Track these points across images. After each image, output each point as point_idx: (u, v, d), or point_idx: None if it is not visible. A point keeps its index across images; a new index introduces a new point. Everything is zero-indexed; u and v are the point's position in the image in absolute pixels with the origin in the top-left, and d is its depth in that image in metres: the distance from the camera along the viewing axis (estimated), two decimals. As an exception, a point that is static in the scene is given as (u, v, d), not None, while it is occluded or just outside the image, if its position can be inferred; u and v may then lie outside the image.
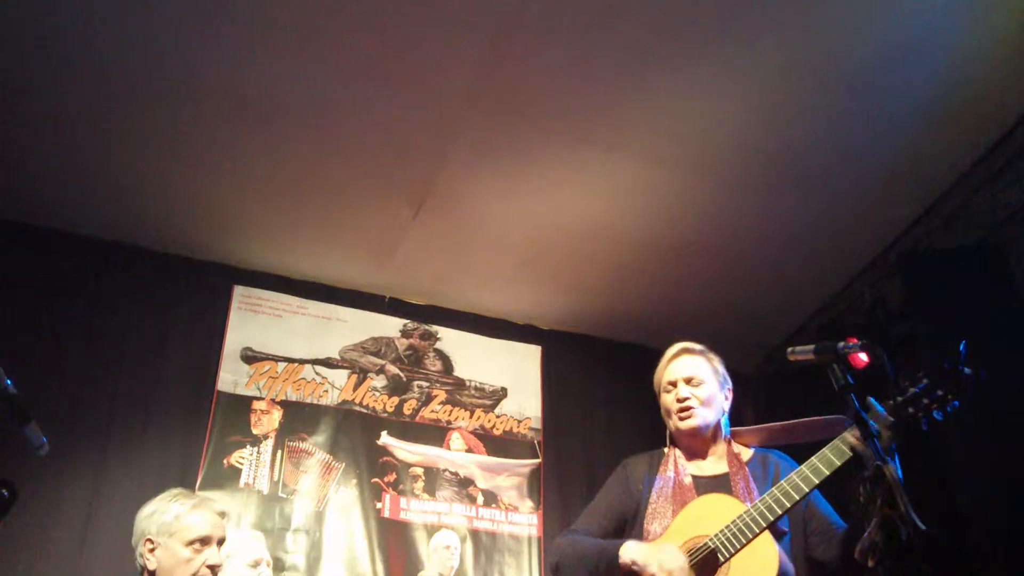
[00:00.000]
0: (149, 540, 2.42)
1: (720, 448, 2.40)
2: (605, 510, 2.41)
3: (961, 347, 1.94)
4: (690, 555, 2.11)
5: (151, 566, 2.40)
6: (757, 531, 2.06)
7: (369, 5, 2.90)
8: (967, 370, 1.90)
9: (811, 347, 1.98)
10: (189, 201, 3.83)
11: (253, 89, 3.24)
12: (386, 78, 3.21)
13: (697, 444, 2.39)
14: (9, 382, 1.62)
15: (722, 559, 2.07)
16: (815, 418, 2.29)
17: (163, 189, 3.74)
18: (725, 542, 2.08)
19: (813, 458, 2.08)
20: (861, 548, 1.71)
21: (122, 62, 3.10)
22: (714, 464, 2.37)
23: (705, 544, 2.10)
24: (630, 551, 2.12)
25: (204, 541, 2.42)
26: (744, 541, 2.06)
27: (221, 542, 2.49)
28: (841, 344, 1.93)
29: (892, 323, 3.89)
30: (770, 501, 2.09)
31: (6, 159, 3.53)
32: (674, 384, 2.41)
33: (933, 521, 1.67)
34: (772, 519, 2.06)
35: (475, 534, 4.08)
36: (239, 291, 4.22)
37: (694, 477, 2.32)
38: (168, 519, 2.43)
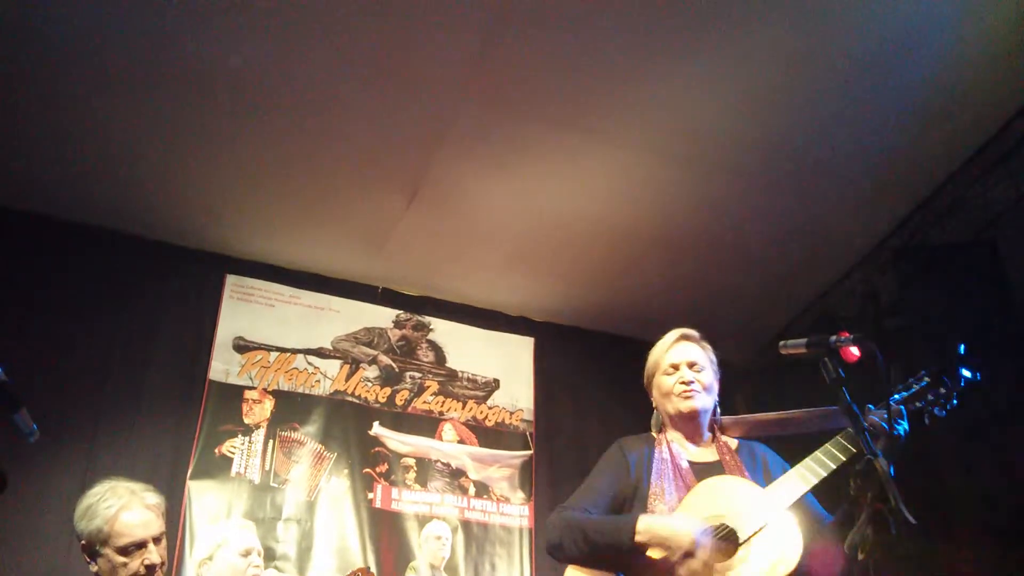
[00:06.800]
0: (85, 544, 2.45)
1: (710, 436, 2.41)
2: (604, 488, 2.31)
3: (960, 348, 1.96)
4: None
5: (93, 568, 2.44)
6: (777, 514, 2.05)
7: (364, -7, 2.90)
8: (965, 370, 1.92)
9: (803, 341, 1.99)
10: (181, 189, 3.81)
11: (246, 78, 3.22)
12: (379, 67, 3.20)
13: (691, 429, 2.40)
14: (0, 369, 1.62)
15: (742, 539, 2.05)
16: (810, 410, 2.30)
17: (155, 177, 3.72)
18: (744, 524, 2.06)
19: (828, 444, 2.10)
20: (851, 542, 1.72)
21: (114, 50, 3.08)
22: (705, 451, 2.37)
23: (723, 524, 2.08)
24: (648, 523, 2.05)
25: (138, 545, 2.42)
26: (763, 523, 2.05)
27: (158, 539, 2.48)
28: (833, 338, 1.94)
29: (884, 317, 3.91)
30: (788, 484, 2.09)
31: (-3, 145, 3.51)
32: (676, 367, 2.41)
33: (922, 515, 1.68)
34: (791, 501, 2.06)
35: (466, 525, 4.09)
36: (231, 280, 4.20)
37: (690, 462, 2.32)
38: (99, 524, 2.43)
